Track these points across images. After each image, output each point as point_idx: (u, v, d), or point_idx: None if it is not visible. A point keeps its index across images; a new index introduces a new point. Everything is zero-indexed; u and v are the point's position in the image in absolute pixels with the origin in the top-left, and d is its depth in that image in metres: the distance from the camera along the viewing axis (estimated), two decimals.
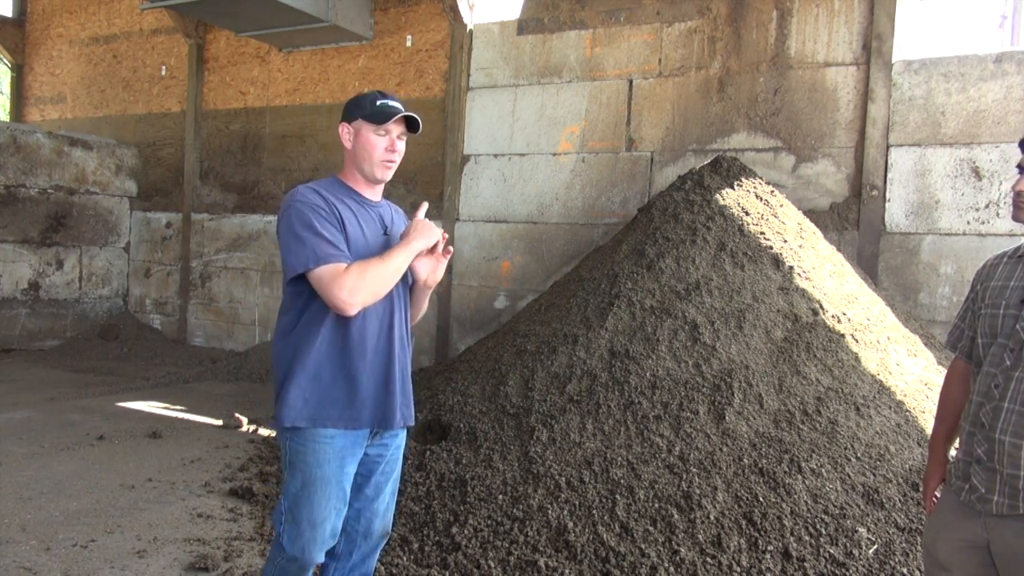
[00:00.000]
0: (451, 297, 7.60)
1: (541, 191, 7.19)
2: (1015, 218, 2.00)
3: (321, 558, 2.32)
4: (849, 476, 3.49)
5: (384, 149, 2.28)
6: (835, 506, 3.34)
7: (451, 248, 2.33)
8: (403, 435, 2.48)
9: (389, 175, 2.34)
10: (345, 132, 2.32)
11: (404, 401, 2.36)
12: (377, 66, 8.14)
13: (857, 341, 4.31)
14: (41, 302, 9.01)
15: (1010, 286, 1.96)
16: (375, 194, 2.40)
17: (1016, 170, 2.01)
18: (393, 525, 3.57)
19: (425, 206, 2.39)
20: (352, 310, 2.10)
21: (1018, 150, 2.04)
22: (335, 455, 2.22)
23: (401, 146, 2.32)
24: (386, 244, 2.30)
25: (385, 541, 2.52)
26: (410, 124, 2.32)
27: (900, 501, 3.38)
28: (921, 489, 2.20)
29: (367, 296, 2.11)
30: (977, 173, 5.50)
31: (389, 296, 2.27)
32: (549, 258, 7.14)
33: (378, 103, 2.26)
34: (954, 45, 6.04)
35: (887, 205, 5.79)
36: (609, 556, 3.24)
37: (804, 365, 4.09)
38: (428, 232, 2.25)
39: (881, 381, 4.10)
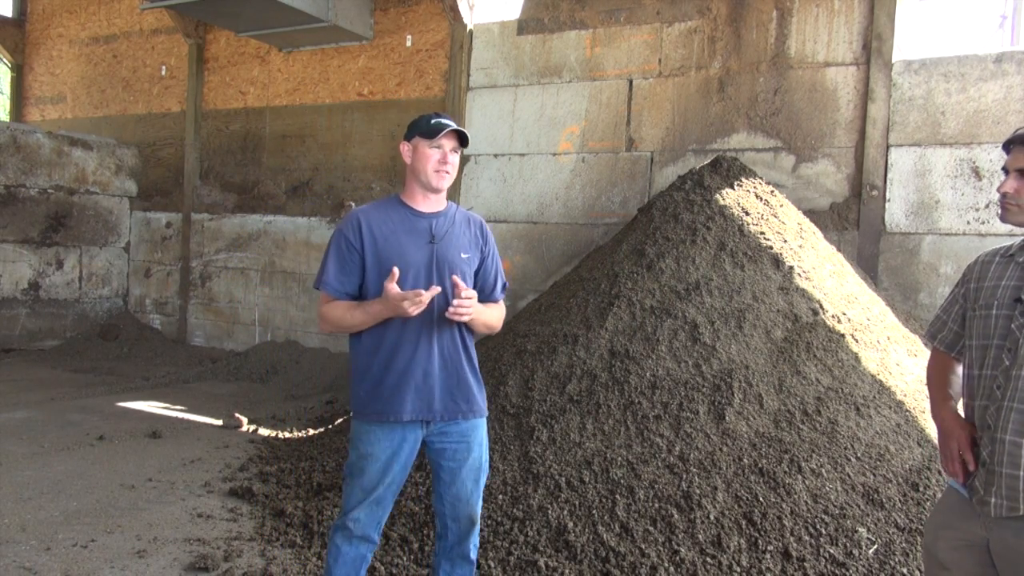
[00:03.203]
0: None
1: (541, 191, 7.19)
2: (1003, 219, 2.00)
3: (365, 518, 2.64)
4: (849, 476, 3.49)
5: (437, 160, 2.60)
6: (835, 506, 3.34)
7: (454, 309, 2.48)
8: (469, 425, 2.69)
9: (444, 184, 2.64)
10: (405, 149, 2.66)
11: (456, 395, 2.65)
12: (377, 66, 8.14)
13: (857, 341, 4.31)
14: (41, 302, 9.00)
15: (1001, 285, 1.96)
16: (432, 205, 2.69)
17: (1002, 172, 2.01)
18: (393, 524, 3.59)
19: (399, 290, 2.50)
20: (321, 330, 2.81)
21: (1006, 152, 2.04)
22: (380, 439, 2.60)
23: (454, 159, 2.64)
24: (431, 252, 2.61)
25: (476, 528, 2.73)
26: (462, 140, 2.65)
27: (900, 501, 3.38)
28: (942, 450, 2.07)
29: (330, 329, 2.67)
30: (977, 173, 5.51)
31: (434, 301, 2.51)
32: (549, 258, 7.14)
33: (432, 122, 2.59)
34: (954, 45, 6.05)
35: (887, 205, 5.79)
36: (609, 556, 3.24)
37: (804, 365, 4.09)
38: (395, 307, 2.44)
39: (881, 381, 4.10)
